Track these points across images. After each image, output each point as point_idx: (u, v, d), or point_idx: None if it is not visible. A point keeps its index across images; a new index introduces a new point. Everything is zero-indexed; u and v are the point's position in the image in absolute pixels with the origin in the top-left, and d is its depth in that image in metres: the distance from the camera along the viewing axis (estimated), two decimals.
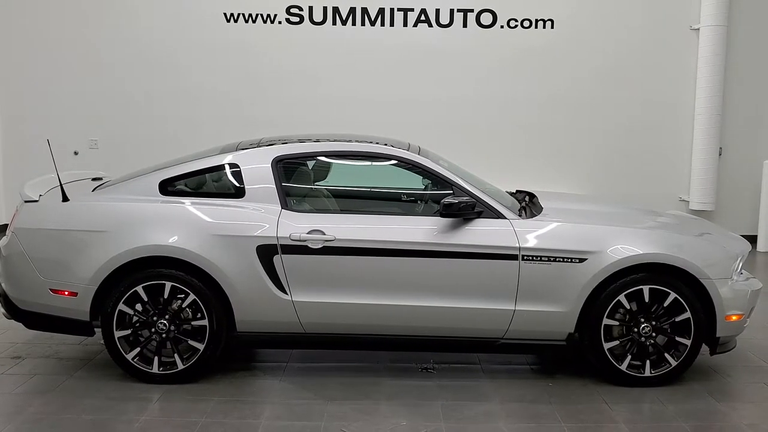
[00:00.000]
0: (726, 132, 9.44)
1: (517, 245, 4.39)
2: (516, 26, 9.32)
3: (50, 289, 4.46)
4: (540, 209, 4.84)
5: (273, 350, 5.11)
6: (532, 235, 4.44)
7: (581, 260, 4.37)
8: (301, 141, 4.90)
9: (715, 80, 9.17)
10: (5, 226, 4.81)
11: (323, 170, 5.10)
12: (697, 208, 9.25)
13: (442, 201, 4.41)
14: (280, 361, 4.92)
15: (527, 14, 9.30)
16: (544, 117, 9.43)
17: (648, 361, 4.48)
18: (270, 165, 4.63)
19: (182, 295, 4.43)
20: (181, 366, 4.45)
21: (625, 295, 4.40)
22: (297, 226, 4.42)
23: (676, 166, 9.57)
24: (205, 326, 4.43)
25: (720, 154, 9.43)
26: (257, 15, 9.25)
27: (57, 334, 5.14)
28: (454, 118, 9.37)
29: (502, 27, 9.31)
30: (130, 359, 4.45)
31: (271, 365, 4.87)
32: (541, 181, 8.63)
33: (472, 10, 9.29)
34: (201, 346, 4.44)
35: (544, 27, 9.32)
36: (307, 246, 4.39)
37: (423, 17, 9.28)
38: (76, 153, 9.33)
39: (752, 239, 9.14)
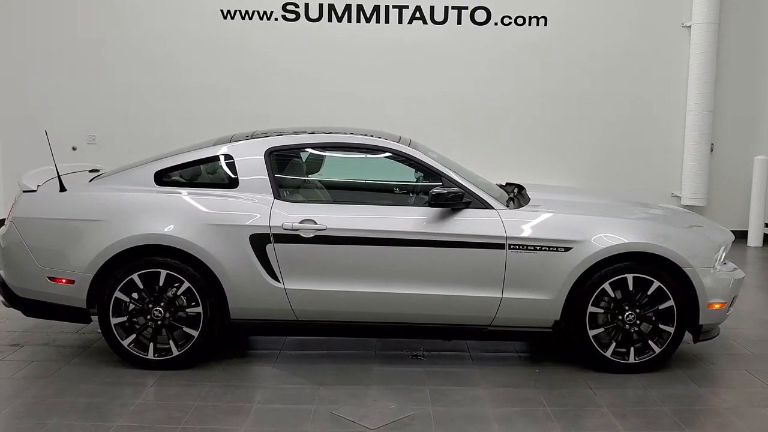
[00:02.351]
0: (717, 128, 9.56)
1: (504, 234, 4.49)
2: (510, 23, 9.43)
3: (48, 277, 4.57)
4: (528, 200, 4.95)
5: (267, 338, 5.22)
6: (518, 224, 4.54)
7: (566, 249, 4.48)
8: (295, 133, 5.00)
9: (707, 77, 9.29)
10: (4, 220, 4.91)
11: (316, 162, 5.21)
12: (689, 203, 9.35)
13: (431, 191, 4.51)
14: (273, 349, 5.03)
15: (521, 11, 9.42)
16: (537, 113, 9.55)
17: (632, 348, 4.58)
18: (263, 156, 4.73)
19: (177, 283, 4.52)
20: (175, 352, 4.55)
21: (610, 284, 4.51)
22: (289, 215, 4.52)
23: (668, 162, 9.68)
24: (200, 313, 4.53)
25: (711, 151, 9.54)
26: (254, 12, 9.36)
27: (55, 323, 5.27)
28: (448, 114, 9.48)
29: (496, 24, 9.43)
30: (125, 345, 4.55)
31: (264, 352, 4.98)
32: (535, 177, 8.74)
33: (466, 8, 9.40)
34: (195, 333, 4.55)
35: (537, 24, 9.43)
36: (299, 235, 4.49)
37: (418, 14, 9.39)
38: (74, 149, 9.43)
39: (743, 234, 9.26)
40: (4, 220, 4.95)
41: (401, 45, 9.40)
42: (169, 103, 9.46)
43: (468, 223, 4.53)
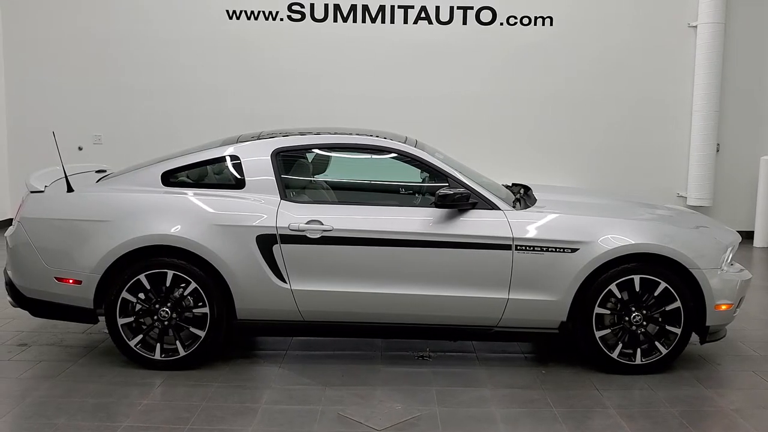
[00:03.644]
0: (723, 128, 9.53)
1: (511, 235, 4.49)
2: (515, 23, 9.42)
3: (55, 278, 4.58)
4: (534, 201, 4.95)
5: (273, 338, 5.23)
6: (525, 225, 4.54)
7: (573, 250, 4.47)
8: (301, 134, 5.01)
9: (713, 77, 9.27)
10: (12, 220, 4.93)
11: (322, 162, 5.21)
12: (695, 203, 9.33)
13: (438, 192, 4.51)
14: (279, 349, 5.03)
15: (526, 12, 9.41)
16: (542, 114, 9.54)
17: (639, 350, 4.58)
18: (270, 157, 4.74)
19: (184, 284, 4.53)
20: (182, 352, 4.56)
21: (617, 285, 4.50)
22: (296, 216, 4.53)
23: (674, 162, 9.66)
24: (206, 314, 4.54)
25: (717, 151, 9.52)
26: (259, 12, 9.37)
27: (62, 323, 5.29)
28: (454, 115, 9.48)
29: (501, 24, 9.42)
30: (132, 346, 4.56)
31: (270, 353, 4.98)
32: (540, 177, 8.72)
33: (471, 8, 9.40)
34: (202, 334, 4.55)
35: (543, 24, 9.42)
36: (305, 236, 4.49)
37: (423, 14, 9.39)
38: (80, 148, 9.46)
39: (749, 235, 9.23)
40: (11, 220, 4.96)
41: (407, 45, 9.40)
42: (174, 104, 9.48)
43: (474, 223, 4.53)
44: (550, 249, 4.48)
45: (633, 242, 4.48)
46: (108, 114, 9.49)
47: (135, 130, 9.46)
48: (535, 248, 4.49)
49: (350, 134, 5.02)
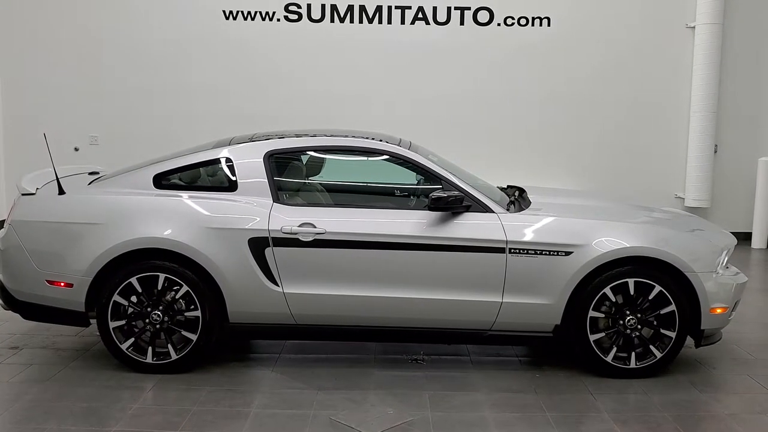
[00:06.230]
0: (721, 129, 9.48)
1: (505, 238, 4.47)
2: (513, 24, 9.38)
3: (46, 281, 4.55)
4: (528, 203, 4.92)
5: (266, 342, 5.20)
6: (519, 228, 4.51)
7: (567, 253, 4.45)
8: (297, 136, 4.99)
9: (711, 78, 9.22)
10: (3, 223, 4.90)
11: (316, 165, 5.19)
12: (693, 205, 9.29)
13: (431, 195, 4.48)
14: (272, 353, 5.01)
15: (524, 12, 9.36)
16: (540, 115, 9.49)
17: (633, 353, 4.55)
18: (262, 159, 4.71)
19: (176, 287, 4.50)
20: (174, 356, 4.53)
21: (611, 288, 4.48)
22: (288, 219, 4.50)
23: (671, 163, 9.62)
24: (198, 317, 4.51)
25: (715, 152, 9.47)
26: (256, 12, 9.33)
27: (54, 326, 5.25)
28: (451, 116, 9.44)
29: (498, 25, 9.38)
30: (124, 349, 4.53)
31: (263, 356, 4.96)
32: (538, 179, 8.71)
33: (469, 8, 9.35)
34: (194, 337, 4.53)
35: (540, 25, 9.38)
36: (298, 239, 4.47)
37: (420, 15, 9.35)
38: (76, 149, 9.41)
39: (747, 236, 9.21)
40: (3, 222, 4.94)
41: (403, 46, 9.36)
42: (171, 104, 9.44)
43: (468, 226, 4.51)
44: (544, 252, 4.46)
45: (627, 245, 4.45)
46: (104, 114, 9.44)
47: (131, 131, 9.41)
48: (529, 251, 4.46)
49: (344, 136, 4.99)
